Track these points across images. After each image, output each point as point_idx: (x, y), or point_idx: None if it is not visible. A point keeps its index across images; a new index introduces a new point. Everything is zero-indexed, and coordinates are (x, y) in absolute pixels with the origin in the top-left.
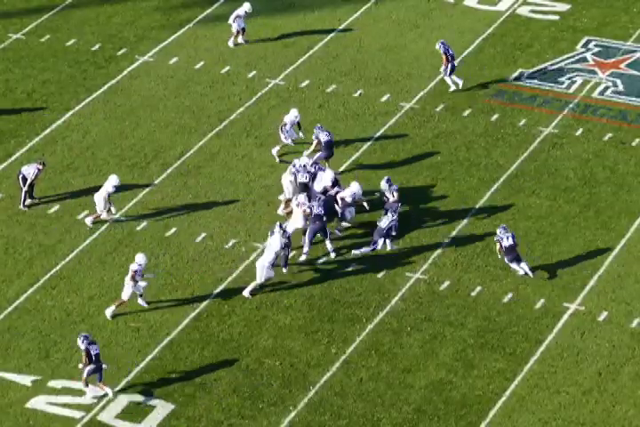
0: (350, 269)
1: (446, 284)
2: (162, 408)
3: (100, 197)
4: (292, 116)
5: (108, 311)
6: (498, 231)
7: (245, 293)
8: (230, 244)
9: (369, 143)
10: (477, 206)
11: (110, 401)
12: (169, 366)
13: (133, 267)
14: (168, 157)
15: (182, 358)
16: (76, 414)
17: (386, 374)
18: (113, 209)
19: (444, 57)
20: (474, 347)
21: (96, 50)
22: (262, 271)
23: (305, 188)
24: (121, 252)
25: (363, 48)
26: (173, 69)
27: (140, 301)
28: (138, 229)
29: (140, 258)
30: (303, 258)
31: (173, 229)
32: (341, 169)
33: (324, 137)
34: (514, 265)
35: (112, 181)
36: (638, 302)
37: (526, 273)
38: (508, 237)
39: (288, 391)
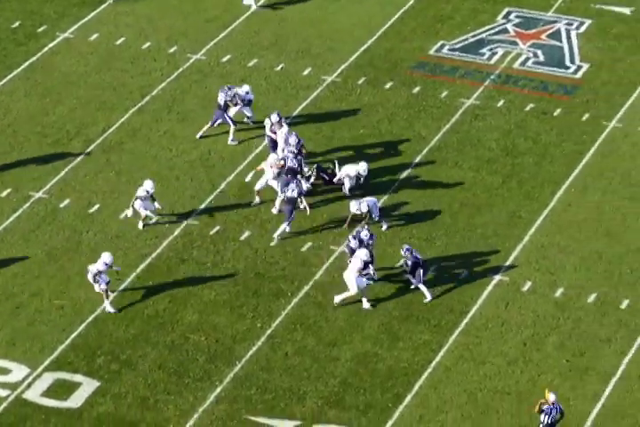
0: (274, 243)
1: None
2: (87, 386)
3: (137, 204)
4: (243, 92)
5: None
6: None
7: (336, 299)
8: (153, 219)
9: (292, 116)
10: (400, 178)
11: (36, 379)
12: (94, 344)
13: (99, 267)
14: (90, 134)
15: (107, 335)
16: (1, 392)
17: (311, 348)
18: (157, 205)
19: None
20: (399, 319)
21: (16, 27)
22: (352, 282)
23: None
24: (44, 229)
25: (284, 22)
26: (94, 46)
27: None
28: (61, 206)
29: (106, 257)
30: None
31: (96, 206)
32: (262, 145)
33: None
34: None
35: (146, 186)
36: (562, 272)
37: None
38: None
39: (214, 366)
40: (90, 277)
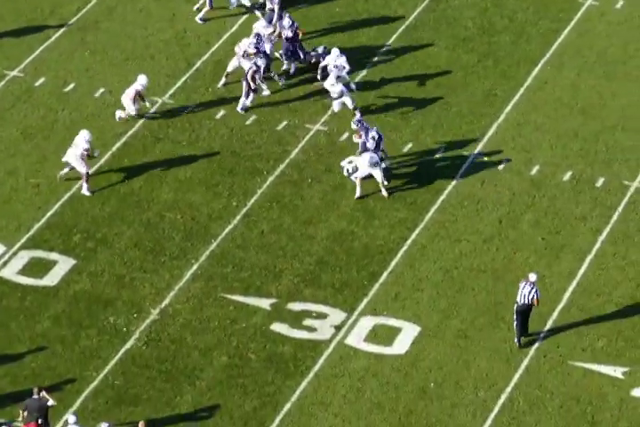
0: (250, 121)
1: (346, 135)
2: (63, 264)
3: (126, 98)
4: None
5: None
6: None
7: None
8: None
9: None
10: (375, 59)
11: (12, 257)
12: (70, 222)
13: (83, 145)
14: (65, 13)
15: (83, 214)
16: None
17: (287, 226)
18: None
19: None
20: (374, 197)
21: None
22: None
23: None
24: (19, 108)
25: None
26: None
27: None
28: (36, 85)
29: (142, 79)
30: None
31: (72, 85)
32: (237, 24)
33: None
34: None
35: (141, 81)
36: (538, 150)
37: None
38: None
39: (190, 244)
40: (75, 158)
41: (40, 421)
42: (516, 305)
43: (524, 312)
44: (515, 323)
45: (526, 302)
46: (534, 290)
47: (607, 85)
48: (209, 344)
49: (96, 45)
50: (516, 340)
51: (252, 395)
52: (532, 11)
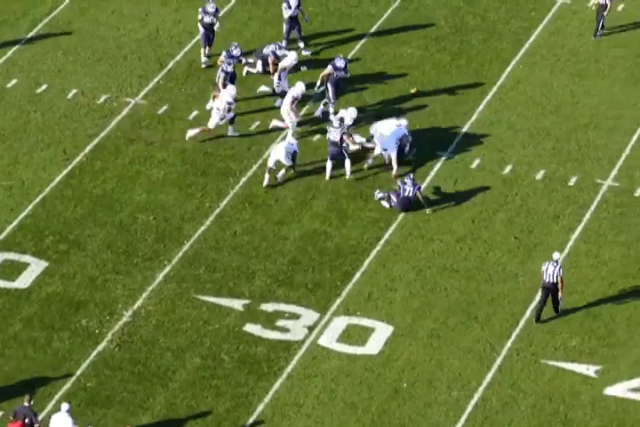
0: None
1: (318, 136)
2: (36, 266)
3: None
4: None
5: (190, 133)
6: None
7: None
8: (102, 99)
9: None
10: (349, 57)
11: None
12: (42, 224)
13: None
14: (37, 14)
15: (56, 216)
16: None
17: (260, 227)
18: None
19: None
20: (348, 197)
21: None
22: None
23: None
24: None
25: None
26: None
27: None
28: (8, 86)
29: (231, 89)
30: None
31: (44, 86)
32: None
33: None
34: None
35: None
36: (510, 149)
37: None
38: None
39: (162, 246)
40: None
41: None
42: (542, 283)
43: (550, 290)
44: (539, 299)
45: (552, 280)
46: (558, 268)
47: (579, 84)
48: (182, 346)
49: (68, 46)
50: (535, 316)
51: (226, 396)
52: (505, 10)
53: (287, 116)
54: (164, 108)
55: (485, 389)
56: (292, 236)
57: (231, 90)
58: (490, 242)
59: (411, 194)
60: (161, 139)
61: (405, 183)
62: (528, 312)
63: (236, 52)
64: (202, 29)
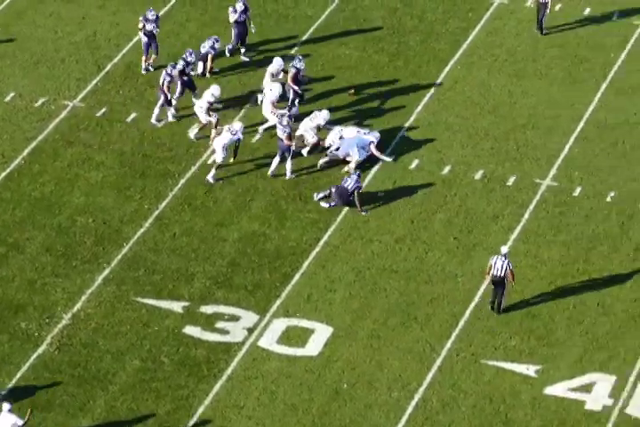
0: (161, 124)
1: (257, 137)
2: None
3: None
4: None
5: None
6: None
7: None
8: (40, 102)
9: (171, 4)
10: (287, 58)
11: None
12: None
13: (209, 99)
14: None
15: None
16: None
17: (199, 229)
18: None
19: None
20: (287, 199)
21: None
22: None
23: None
24: None
25: None
26: None
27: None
28: None
29: (215, 89)
30: None
31: None
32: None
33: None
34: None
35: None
36: (449, 150)
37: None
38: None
39: (102, 249)
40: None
41: None
42: (491, 278)
43: (499, 284)
44: (492, 293)
45: (500, 274)
46: (507, 262)
47: (517, 84)
48: (121, 348)
49: (6, 49)
50: (489, 307)
51: (166, 399)
52: (442, 10)
53: (271, 115)
54: (103, 110)
55: (426, 389)
56: (231, 237)
57: (214, 90)
58: (429, 242)
59: (350, 186)
60: (99, 141)
61: (350, 178)
62: (468, 313)
63: (190, 58)
64: (144, 38)
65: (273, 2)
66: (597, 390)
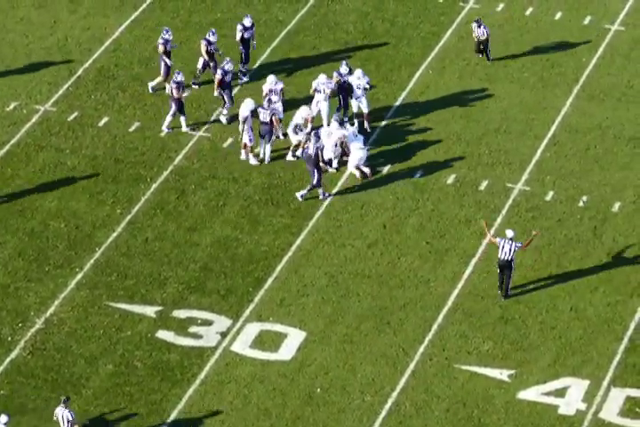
0: (133, 128)
1: (229, 141)
2: None
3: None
4: None
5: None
6: None
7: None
8: (11, 107)
9: (147, 2)
10: (258, 64)
11: None
12: None
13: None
14: None
15: None
16: None
17: (172, 233)
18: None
19: None
20: (259, 203)
21: None
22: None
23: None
24: None
25: None
26: None
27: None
28: None
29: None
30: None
31: None
32: (118, 31)
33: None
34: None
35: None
36: (421, 154)
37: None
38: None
39: (74, 253)
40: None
41: None
42: (498, 261)
43: (506, 267)
44: (498, 276)
45: (507, 257)
46: (514, 244)
47: (489, 88)
48: (94, 353)
49: None
50: (498, 291)
51: (139, 403)
52: (413, 14)
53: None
54: (74, 115)
55: (399, 394)
56: (203, 242)
57: (249, 103)
58: (401, 247)
59: (312, 151)
60: (71, 146)
61: (309, 141)
62: (440, 317)
63: (179, 78)
64: (168, 61)
65: (244, 6)
66: (571, 395)
